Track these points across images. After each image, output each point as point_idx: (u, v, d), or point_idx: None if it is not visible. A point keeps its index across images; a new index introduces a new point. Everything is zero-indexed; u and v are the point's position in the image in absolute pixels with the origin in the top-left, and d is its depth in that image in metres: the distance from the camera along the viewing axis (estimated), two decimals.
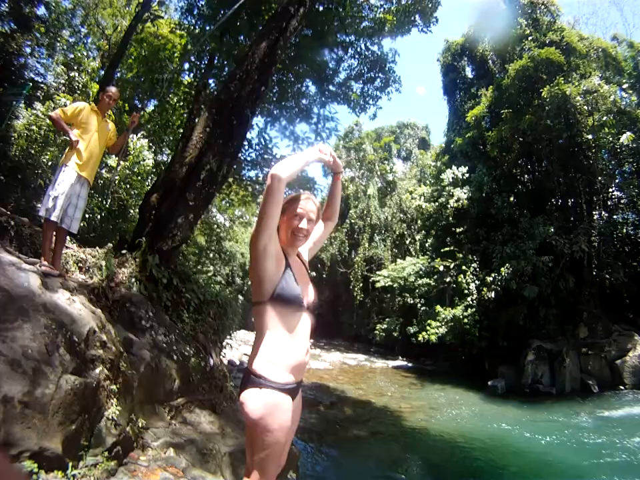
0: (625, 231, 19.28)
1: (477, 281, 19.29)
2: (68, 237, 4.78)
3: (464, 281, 19.53)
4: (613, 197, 19.78)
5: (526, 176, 21.70)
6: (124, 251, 5.85)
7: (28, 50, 12.97)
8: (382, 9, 13.25)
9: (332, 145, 37.69)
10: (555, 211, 19.58)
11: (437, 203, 22.83)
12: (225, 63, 12.51)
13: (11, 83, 10.51)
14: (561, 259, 17.45)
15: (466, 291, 19.41)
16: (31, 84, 10.55)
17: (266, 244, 2.06)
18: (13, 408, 2.16)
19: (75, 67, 13.44)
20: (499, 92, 20.25)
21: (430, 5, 12.65)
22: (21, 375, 2.31)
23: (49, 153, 8.87)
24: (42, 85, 11.93)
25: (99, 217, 9.25)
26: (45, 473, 2.16)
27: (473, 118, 21.59)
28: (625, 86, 18.94)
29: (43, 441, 2.25)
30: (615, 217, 19.36)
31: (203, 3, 12.98)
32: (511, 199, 20.19)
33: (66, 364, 2.71)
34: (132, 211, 10.19)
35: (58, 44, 15.06)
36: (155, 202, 6.62)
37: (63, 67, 13.31)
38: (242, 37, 12.27)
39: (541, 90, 17.43)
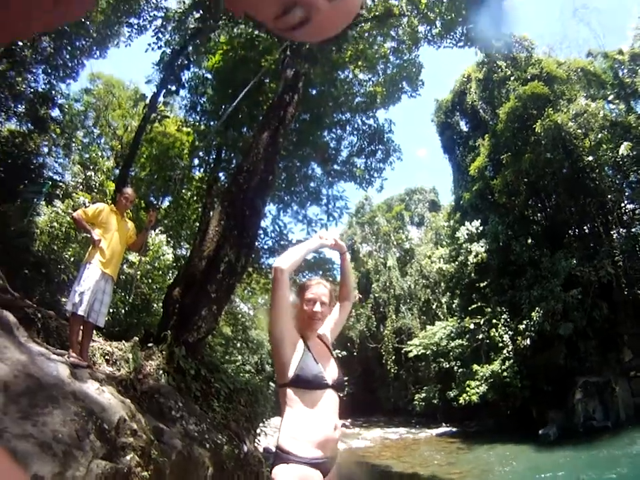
0: None
1: (509, 332, 18.82)
2: (94, 331, 4.96)
3: (497, 334, 19.06)
4: (627, 210, 19.50)
5: (538, 214, 21.64)
6: (150, 344, 6.01)
7: (45, 150, 13.86)
8: (371, 82, 14.01)
9: (344, 223, 38.46)
10: (574, 242, 19.39)
11: (456, 262, 22.75)
12: (232, 155, 13.17)
13: (31, 181, 11.12)
14: (589, 288, 17.00)
15: (500, 344, 18.89)
16: (50, 182, 11.11)
17: (281, 331, 2.20)
18: None
19: (91, 167, 14.26)
20: (495, 138, 20.77)
21: (414, 70, 13.31)
22: (52, 457, 2.39)
23: (70, 249, 9.27)
24: (60, 184, 12.58)
25: (123, 311, 9.46)
26: None
27: (476, 170, 21.94)
28: (610, 97, 19.19)
29: None
30: (633, 230, 19.03)
31: (205, 100, 13.90)
32: (528, 241, 20.00)
33: (96, 449, 2.79)
34: (155, 305, 10.42)
35: (73, 144, 16.02)
36: (177, 295, 6.84)
37: (79, 167, 14.15)
38: (245, 129, 13.01)
39: (534, 125, 17.80)
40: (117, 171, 14.30)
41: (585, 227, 20.05)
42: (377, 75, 13.95)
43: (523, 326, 17.76)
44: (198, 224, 11.72)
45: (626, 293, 17.63)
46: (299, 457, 2.04)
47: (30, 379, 2.81)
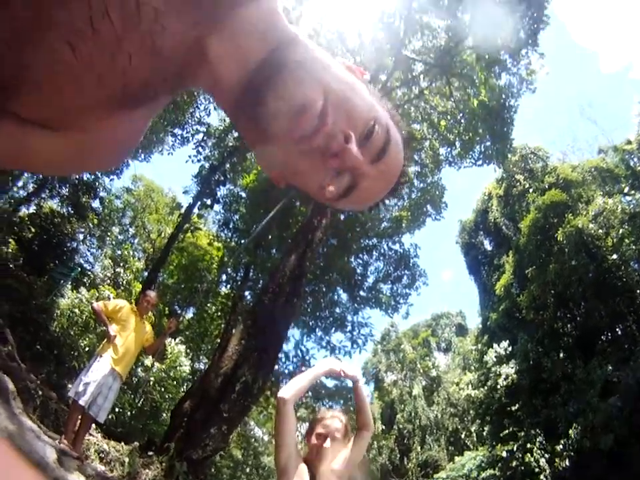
0: None
1: (546, 454, 17.14)
2: (94, 426, 4.79)
3: (532, 459, 17.43)
4: None
5: (568, 325, 20.53)
6: (150, 453, 5.71)
7: (81, 237, 14.20)
8: (397, 207, 14.42)
9: (369, 350, 37.55)
10: (608, 347, 18.25)
11: (485, 387, 21.46)
12: (260, 275, 13.31)
13: (61, 262, 11.35)
14: (629, 393, 15.83)
15: (537, 469, 17.22)
16: (80, 269, 11.32)
17: (286, 462, 2.14)
18: None
19: (121, 264, 14.55)
20: (519, 254, 20.58)
21: (437, 192, 13.74)
22: None
23: (87, 339, 9.16)
24: (89, 273, 12.77)
25: (129, 413, 9.12)
26: None
27: (502, 288, 21.61)
28: (625, 190, 19.05)
29: None
30: None
31: (237, 218, 14.39)
32: (560, 355, 19.01)
33: None
34: (164, 415, 10.06)
35: (108, 238, 16.47)
36: (188, 408, 6.62)
37: (110, 261, 14.42)
38: (274, 250, 13.30)
39: (556, 234, 17.72)
40: (146, 273, 14.57)
41: (618, 329, 19.16)
42: (402, 200, 14.37)
43: (561, 446, 16.37)
44: (219, 340, 11.61)
45: None
46: None
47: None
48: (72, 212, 13.37)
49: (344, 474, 2.32)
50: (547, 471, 16.99)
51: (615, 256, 17.76)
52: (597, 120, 48.77)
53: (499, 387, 20.12)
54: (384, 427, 32.78)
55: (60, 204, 14.20)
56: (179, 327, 11.10)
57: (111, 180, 15.75)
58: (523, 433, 18.58)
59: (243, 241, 13.45)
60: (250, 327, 7.09)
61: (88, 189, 13.59)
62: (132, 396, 9.36)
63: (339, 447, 2.28)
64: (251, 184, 13.68)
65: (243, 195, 14.59)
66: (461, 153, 12.72)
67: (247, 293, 13.13)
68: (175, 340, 11.73)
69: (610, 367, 16.54)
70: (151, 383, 9.85)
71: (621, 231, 17.79)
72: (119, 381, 4.67)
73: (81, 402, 4.26)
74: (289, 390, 2.16)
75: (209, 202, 12.98)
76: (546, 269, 18.42)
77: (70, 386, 4.71)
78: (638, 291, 17.95)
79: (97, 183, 14.17)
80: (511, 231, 23.71)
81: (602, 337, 19.53)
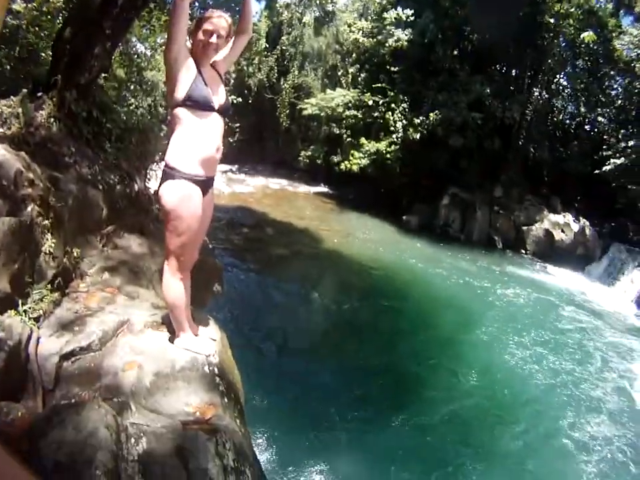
0: (560, 117, 19.63)
1: (404, 121, 19.49)
2: None
3: (391, 118, 19.70)
4: (559, 84, 20.14)
5: (475, 34, 20.85)
6: (40, 94, 5.62)
7: None
8: None
9: None
10: (496, 76, 19.58)
11: (375, 40, 21.93)
12: None
13: None
14: (491, 120, 17.82)
15: (392, 128, 19.70)
16: None
17: (176, 55, 2.32)
18: None
19: None
20: None
21: None
22: None
23: None
24: None
25: (8, 67, 8.42)
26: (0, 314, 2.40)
27: None
28: None
29: None
30: (554, 101, 19.52)
31: None
32: (455, 52, 19.84)
33: (0, 207, 2.90)
34: (44, 55, 9.27)
35: None
36: (68, 37, 6.12)
37: None
38: None
39: None
40: None
41: (513, 71, 20.16)
42: None
43: (418, 121, 18.47)
44: None
45: (520, 144, 19.26)
46: (183, 173, 2.35)
47: None
48: None
49: (222, 67, 2.69)
50: (400, 134, 19.37)
51: (552, 20, 17.77)
52: None
53: (387, 45, 20.66)
54: (267, 46, 32.72)
55: None
56: None
57: None
58: (392, 94, 20.20)
59: None
60: None
61: None
62: (7, 49, 8.29)
63: (222, 44, 2.52)
64: None
65: None
66: None
67: None
68: None
69: (488, 91, 17.77)
70: (24, 26, 8.63)
71: (573, 10, 17.60)
72: None
73: None
74: None
75: None
76: None
77: None
78: (550, 60, 18.53)
79: None
80: None
81: (496, 66, 20.54)
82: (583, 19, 17.85)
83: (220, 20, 2.43)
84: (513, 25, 18.03)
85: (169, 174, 2.35)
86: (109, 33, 6.06)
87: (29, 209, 3.31)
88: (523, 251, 17.78)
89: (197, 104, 2.35)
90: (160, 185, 2.39)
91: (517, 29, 18.05)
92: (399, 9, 20.93)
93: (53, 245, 3.45)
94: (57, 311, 3.06)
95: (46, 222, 3.50)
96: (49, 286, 3.18)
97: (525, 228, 18.03)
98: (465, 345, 9.12)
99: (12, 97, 5.32)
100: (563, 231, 17.35)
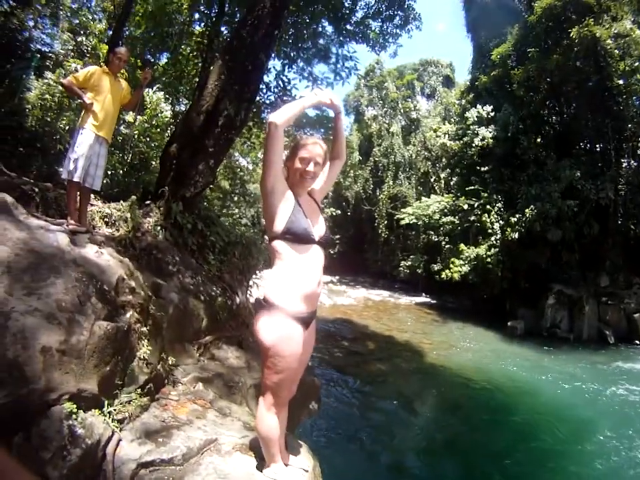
0: None
1: (500, 221, 19.04)
2: (92, 195, 4.94)
3: (488, 220, 19.31)
4: None
5: (553, 117, 20.76)
6: (148, 202, 6.02)
7: (31, 23, 12.73)
8: None
9: (352, 84, 37.07)
10: (583, 155, 18.87)
11: (461, 142, 22.25)
12: (237, 9, 12.09)
13: (18, 58, 10.42)
14: (586, 205, 17.07)
15: (490, 231, 19.23)
16: (39, 55, 10.46)
17: (273, 185, 2.26)
18: (52, 357, 2.37)
19: (82, 32, 13.24)
20: (525, 30, 19.30)
21: None
22: (57, 326, 2.51)
23: (64, 118, 8.87)
24: (50, 54, 11.75)
25: (121, 172, 9.34)
26: (83, 412, 2.40)
27: (499, 56, 20.73)
28: None
29: (80, 383, 2.48)
30: None
31: None
32: (538, 139, 19.55)
33: (98, 311, 2.90)
34: (154, 163, 10.28)
35: (61, 12, 14.68)
36: (174, 152, 6.68)
37: (69, 34, 13.11)
38: None
39: (570, 30, 16.45)
40: (110, 33, 13.10)
41: (597, 146, 19.35)
42: None
43: (515, 219, 17.90)
44: (197, 79, 11.17)
45: (619, 223, 17.88)
46: (284, 310, 2.18)
47: (31, 254, 2.83)
48: (13, 4, 11.28)
49: (319, 195, 2.63)
50: (498, 236, 18.84)
51: (621, 82, 16.95)
52: None
53: (474, 145, 20.88)
54: (361, 158, 34.38)
55: None
56: (154, 76, 10.52)
57: None
58: (486, 195, 19.98)
59: None
60: (228, 61, 6.72)
61: None
62: (120, 155, 9.35)
63: (319, 171, 2.46)
64: None
65: None
66: None
67: (223, 29, 12.11)
68: (152, 89, 11.24)
69: (579, 174, 17.06)
70: (136, 136, 9.75)
71: (637, 64, 16.67)
72: (105, 146, 4.69)
73: (75, 179, 4.34)
74: (280, 115, 2.21)
75: None
76: (549, 57, 17.40)
77: (61, 170, 4.67)
78: (630, 125, 17.66)
79: None
80: (522, 5, 21.57)
81: (581, 145, 19.78)
82: None
83: (315, 147, 2.40)
84: (586, 97, 17.66)
85: (268, 309, 2.22)
86: (211, 150, 6.56)
87: (128, 315, 3.39)
88: (638, 342, 15.85)
89: (297, 237, 2.27)
90: (258, 318, 2.26)
91: (590, 100, 17.62)
92: (478, 106, 21.31)
93: (148, 351, 3.44)
94: (144, 415, 2.98)
95: (144, 329, 3.55)
96: (139, 390, 3.14)
97: (636, 315, 16.31)
98: (573, 457, 7.89)
99: (122, 201, 5.72)
100: None
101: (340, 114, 2.65)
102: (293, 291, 2.22)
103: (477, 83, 22.84)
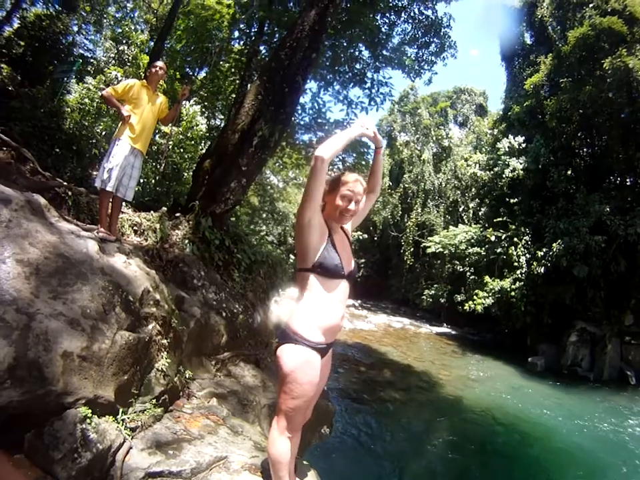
0: None
1: (527, 255, 18.73)
2: (123, 203, 5.03)
3: (514, 253, 19.02)
4: None
5: (584, 150, 20.45)
6: (178, 214, 6.14)
7: (75, 28, 13.26)
8: None
9: (386, 110, 37.28)
10: (612, 190, 18.42)
11: (492, 172, 22.05)
12: (276, 30, 12.37)
13: (60, 61, 10.76)
14: (614, 241, 16.72)
15: (516, 264, 18.92)
16: (81, 60, 10.80)
17: (310, 218, 2.27)
18: (72, 361, 2.46)
19: (124, 41, 13.70)
20: (559, 60, 19.07)
21: None
22: (80, 332, 2.60)
23: (102, 123, 9.16)
24: (92, 60, 12.21)
25: (153, 181, 9.54)
26: (97, 417, 2.47)
27: (532, 86, 20.52)
28: None
29: (97, 389, 2.55)
30: None
31: None
32: (568, 172, 19.17)
33: (121, 321, 3.00)
34: (185, 174, 10.49)
35: (105, 20, 15.26)
36: (208, 167, 6.82)
37: (111, 42, 13.60)
38: (291, 4, 12.09)
39: (603, 61, 16.23)
40: (152, 44, 13.55)
41: (628, 180, 19.00)
42: None
43: (542, 253, 17.62)
44: (234, 96, 11.39)
45: None
46: (306, 340, 2.24)
47: (60, 258, 2.92)
48: (59, 8, 11.81)
49: (350, 228, 2.68)
50: (524, 270, 18.52)
51: None
52: None
53: (504, 176, 20.69)
54: (391, 184, 34.33)
55: (45, 5, 12.74)
56: (192, 90, 10.75)
57: None
58: (514, 227, 19.74)
59: None
60: (266, 82, 6.85)
61: None
62: (154, 164, 9.57)
63: (358, 209, 2.47)
64: None
65: None
66: None
67: (262, 48, 12.39)
68: (189, 102, 11.53)
69: (608, 209, 16.72)
70: (170, 146, 9.96)
71: None
72: (140, 158, 4.80)
73: (108, 188, 4.45)
74: (327, 150, 2.22)
75: None
76: (582, 87, 17.20)
77: (96, 174, 4.80)
78: None
79: None
80: (556, 35, 21.31)
81: (611, 178, 19.36)
82: None
83: (356, 185, 2.41)
84: (618, 129, 17.28)
85: (291, 338, 2.27)
86: (244, 169, 6.67)
87: (150, 327, 3.48)
88: None
89: (328, 272, 2.31)
90: (280, 343, 2.31)
91: (622, 132, 17.27)
92: (510, 137, 21.11)
93: (166, 363, 3.51)
94: (157, 426, 3.04)
95: (164, 341, 3.63)
96: (154, 401, 3.20)
97: None
98: None
99: (152, 211, 5.85)
100: None
101: (381, 149, 2.69)
102: (317, 324, 2.28)
103: (509, 113, 22.70)
